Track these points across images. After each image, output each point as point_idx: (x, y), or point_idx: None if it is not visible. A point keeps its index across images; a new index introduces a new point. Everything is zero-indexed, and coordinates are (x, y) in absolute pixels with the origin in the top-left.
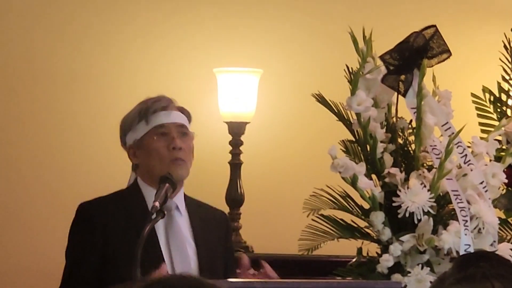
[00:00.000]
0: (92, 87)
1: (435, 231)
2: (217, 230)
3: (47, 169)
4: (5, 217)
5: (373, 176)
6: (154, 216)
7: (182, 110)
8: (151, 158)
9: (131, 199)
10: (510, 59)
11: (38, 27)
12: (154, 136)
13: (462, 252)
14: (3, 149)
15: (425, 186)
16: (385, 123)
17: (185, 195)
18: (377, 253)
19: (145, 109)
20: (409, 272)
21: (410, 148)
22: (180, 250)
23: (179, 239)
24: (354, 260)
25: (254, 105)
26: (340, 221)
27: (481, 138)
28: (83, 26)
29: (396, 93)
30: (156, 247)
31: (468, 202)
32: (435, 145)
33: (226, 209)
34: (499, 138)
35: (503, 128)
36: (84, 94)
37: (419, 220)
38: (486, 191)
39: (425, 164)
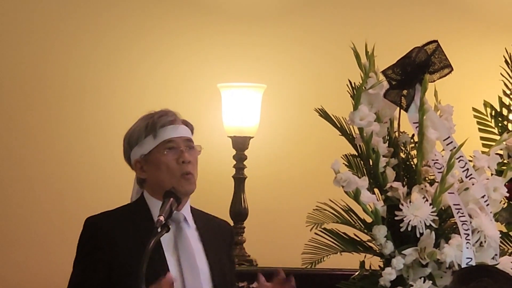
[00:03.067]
0: (102, 101)
1: (437, 245)
2: (223, 241)
3: (56, 179)
4: (14, 228)
5: (376, 190)
6: (159, 230)
7: (186, 124)
8: (161, 172)
9: (138, 213)
10: (511, 74)
11: (49, 44)
12: (163, 150)
13: (464, 266)
14: (11, 160)
15: (427, 200)
16: (388, 138)
17: (190, 207)
18: (379, 266)
19: (151, 123)
20: (412, 286)
21: (412, 162)
22: (190, 263)
23: (188, 252)
24: (357, 273)
25: (258, 120)
26: (343, 235)
27: (483, 152)
28: (93, 44)
29: (398, 108)
30: (162, 261)
31: (470, 216)
32: (437, 160)
33: (230, 223)
34: (501, 152)
35: (504, 143)
36: (94, 108)
37: (421, 234)
38: (487, 205)
39: (427, 178)
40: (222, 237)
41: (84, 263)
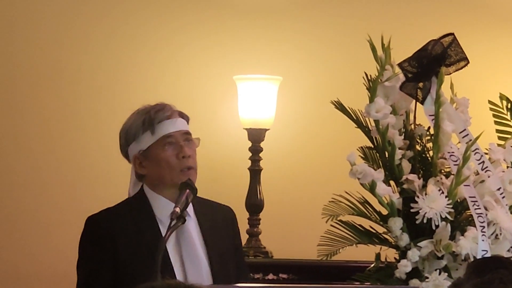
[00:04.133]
0: (117, 94)
1: (452, 237)
2: (225, 228)
3: (67, 171)
4: (14, 225)
5: (391, 182)
6: (174, 221)
7: (182, 115)
8: (161, 168)
9: (139, 208)
10: None
11: (62, 39)
12: (163, 146)
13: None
14: (9, 158)
15: (443, 193)
16: (403, 130)
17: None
18: (395, 258)
19: (148, 119)
20: (427, 278)
21: (428, 155)
22: (192, 257)
23: (191, 244)
24: (372, 265)
25: (274, 112)
26: (359, 227)
27: (498, 145)
28: (108, 37)
29: (414, 100)
30: (165, 255)
31: (486, 208)
32: (453, 152)
33: (246, 214)
34: None
35: None
36: (108, 101)
37: (437, 226)
38: (503, 197)
39: (443, 171)
40: (224, 223)
41: (88, 263)
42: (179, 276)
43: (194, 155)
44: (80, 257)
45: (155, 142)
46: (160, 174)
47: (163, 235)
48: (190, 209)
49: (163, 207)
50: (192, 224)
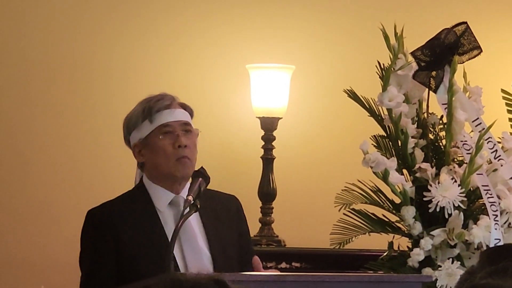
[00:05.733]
0: (130, 83)
1: (465, 226)
2: (228, 218)
3: (65, 167)
4: (24, 216)
5: (404, 171)
6: (187, 210)
7: (185, 107)
8: (157, 156)
9: (138, 199)
10: None
11: (76, 27)
12: (159, 135)
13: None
14: (22, 150)
15: (455, 181)
16: (416, 119)
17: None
18: (408, 247)
19: (148, 108)
20: (440, 266)
21: (441, 144)
22: (192, 245)
23: (190, 235)
24: (385, 254)
25: (286, 101)
26: (372, 215)
27: (511, 133)
28: (121, 26)
29: (427, 89)
30: (166, 243)
31: (498, 197)
32: (466, 141)
33: (258, 203)
34: None
35: None
36: (122, 90)
37: (450, 215)
38: None
39: (455, 159)
40: (227, 213)
41: (90, 256)
42: (180, 267)
43: (192, 146)
44: (82, 251)
45: (153, 131)
46: (156, 162)
47: (163, 224)
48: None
49: (161, 197)
50: (193, 216)
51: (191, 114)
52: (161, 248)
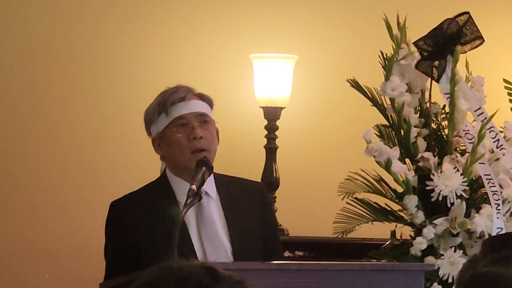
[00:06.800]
0: (137, 74)
1: (467, 215)
2: (251, 205)
3: (88, 151)
4: (26, 208)
5: (407, 160)
6: (191, 199)
7: (202, 97)
8: (173, 149)
9: (160, 191)
10: None
11: (82, 17)
12: (174, 128)
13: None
14: (32, 140)
15: (458, 170)
16: (419, 108)
17: (215, 175)
18: (410, 236)
19: (163, 101)
20: (442, 255)
21: (443, 133)
22: (212, 237)
23: (209, 226)
24: (388, 243)
25: (289, 91)
26: (374, 204)
27: None
28: (126, 16)
29: (429, 79)
30: (187, 236)
31: (501, 186)
32: (468, 130)
33: None
34: None
35: None
36: (127, 80)
37: (452, 204)
38: None
39: (458, 149)
40: (249, 200)
41: (112, 247)
42: (199, 256)
43: (210, 136)
44: (105, 243)
45: (168, 124)
46: (173, 155)
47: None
48: (212, 188)
49: (182, 189)
50: (213, 204)
51: (210, 104)
52: (180, 241)
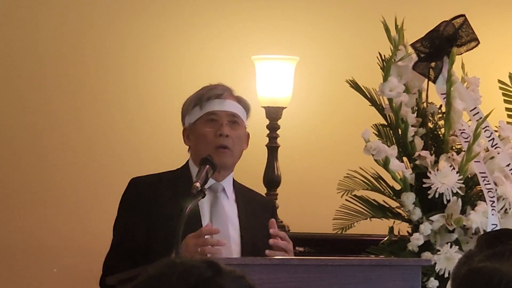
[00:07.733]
0: (141, 74)
1: (463, 211)
2: (262, 216)
3: (74, 155)
4: (32, 204)
5: (404, 158)
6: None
7: (239, 100)
8: (199, 142)
9: (180, 178)
10: None
11: (88, 19)
12: (204, 122)
13: None
14: (39, 135)
15: (454, 168)
16: (416, 108)
17: (234, 181)
18: (408, 232)
19: (200, 95)
20: (439, 250)
21: (440, 132)
22: (222, 231)
23: (221, 219)
24: (386, 238)
25: (291, 91)
26: (373, 201)
27: (508, 122)
28: (131, 19)
29: (426, 80)
30: (198, 225)
31: (495, 184)
32: (464, 129)
33: (263, 190)
34: None
35: None
36: (132, 80)
37: (448, 201)
38: None
39: (454, 147)
40: (263, 213)
41: (124, 222)
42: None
43: (236, 137)
44: (118, 216)
45: (200, 117)
46: (198, 148)
47: (199, 207)
48: (229, 189)
49: None
50: (228, 203)
51: (246, 108)
52: (192, 229)
